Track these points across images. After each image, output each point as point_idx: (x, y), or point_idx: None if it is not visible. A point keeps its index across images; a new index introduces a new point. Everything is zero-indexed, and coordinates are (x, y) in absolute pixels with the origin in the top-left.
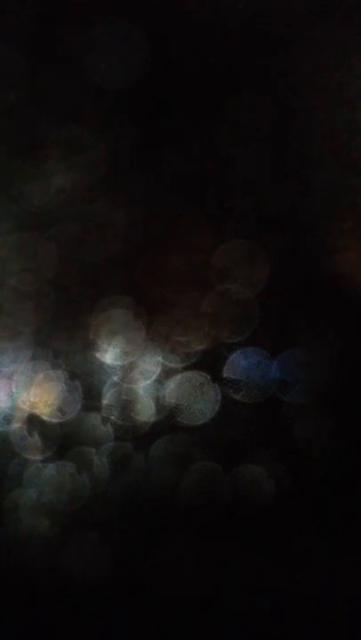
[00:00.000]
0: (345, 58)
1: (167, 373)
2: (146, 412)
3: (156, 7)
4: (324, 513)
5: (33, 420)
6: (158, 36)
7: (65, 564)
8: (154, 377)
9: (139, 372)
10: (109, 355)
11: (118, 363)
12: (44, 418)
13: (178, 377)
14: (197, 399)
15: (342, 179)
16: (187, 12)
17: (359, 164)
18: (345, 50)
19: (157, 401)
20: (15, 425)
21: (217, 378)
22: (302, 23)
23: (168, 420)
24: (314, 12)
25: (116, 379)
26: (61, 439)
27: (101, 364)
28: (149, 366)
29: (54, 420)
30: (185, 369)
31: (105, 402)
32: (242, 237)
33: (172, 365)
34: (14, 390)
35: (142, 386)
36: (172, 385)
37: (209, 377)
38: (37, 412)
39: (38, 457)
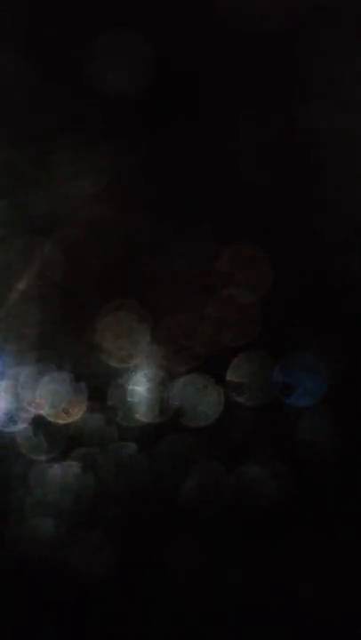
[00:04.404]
0: (349, 63)
1: (171, 376)
2: (150, 413)
3: (161, 15)
4: (326, 513)
5: (38, 421)
6: (163, 43)
7: (69, 564)
8: (158, 379)
9: (143, 375)
10: (114, 357)
11: (123, 365)
12: (50, 419)
13: (182, 379)
14: (201, 401)
15: (346, 184)
16: (192, 20)
17: None
18: (349, 55)
19: (161, 403)
20: (21, 426)
21: (220, 380)
22: (306, 31)
23: (172, 421)
24: (318, 19)
25: (120, 381)
26: (66, 440)
27: (106, 367)
28: (154, 369)
29: (59, 421)
30: (189, 371)
31: (110, 403)
32: (245, 242)
33: (176, 368)
34: (20, 392)
35: (147, 388)
36: (175, 387)
37: (212, 379)
38: (43, 413)
39: (43, 457)
